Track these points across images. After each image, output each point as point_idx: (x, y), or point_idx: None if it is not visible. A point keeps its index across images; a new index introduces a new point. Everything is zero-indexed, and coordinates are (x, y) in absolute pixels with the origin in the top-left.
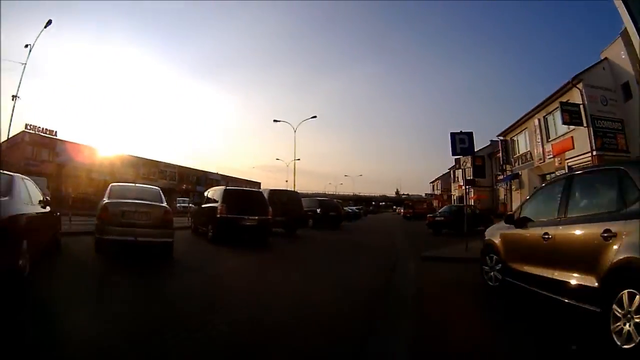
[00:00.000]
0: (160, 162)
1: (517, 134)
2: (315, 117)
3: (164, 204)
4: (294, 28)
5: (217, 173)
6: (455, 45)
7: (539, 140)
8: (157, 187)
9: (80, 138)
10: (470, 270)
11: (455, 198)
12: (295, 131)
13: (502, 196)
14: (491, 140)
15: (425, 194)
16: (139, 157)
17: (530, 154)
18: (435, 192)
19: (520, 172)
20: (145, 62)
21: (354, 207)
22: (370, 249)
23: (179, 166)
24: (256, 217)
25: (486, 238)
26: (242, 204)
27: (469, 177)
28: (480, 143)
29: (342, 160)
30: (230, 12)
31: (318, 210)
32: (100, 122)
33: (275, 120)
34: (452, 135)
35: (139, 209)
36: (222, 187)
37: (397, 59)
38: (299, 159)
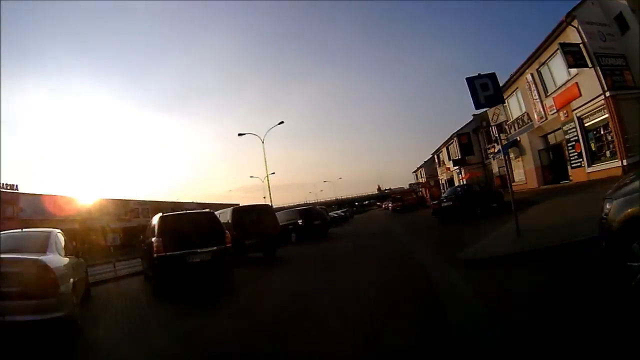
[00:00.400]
0: (131, 200)
1: (506, 98)
2: (282, 122)
3: (42, 257)
4: (255, 47)
5: (193, 202)
6: (423, 31)
7: (536, 97)
8: (49, 229)
9: (48, 189)
10: (564, 270)
11: (444, 181)
12: (263, 142)
13: (496, 169)
14: (473, 115)
15: (410, 184)
16: (110, 199)
17: (528, 115)
18: (420, 180)
19: (518, 137)
20: (109, 104)
21: (339, 211)
22: (376, 258)
23: (153, 201)
24: (208, 250)
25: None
26: (185, 234)
27: (496, 140)
28: (462, 120)
29: (319, 167)
30: (189, 41)
31: (300, 222)
32: (70, 170)
33: (240, 134)
34: (470, 81)
35: None
36: (158, 215)
37: (361, 58)
38: (273, 173)
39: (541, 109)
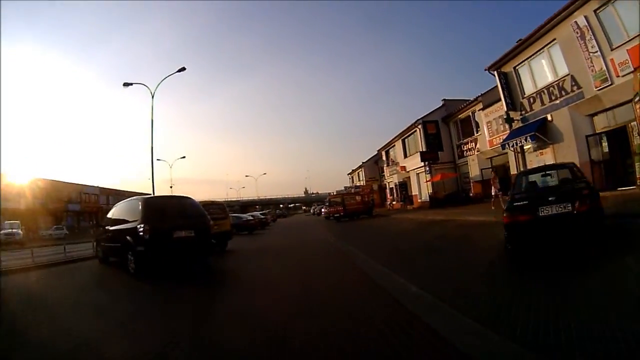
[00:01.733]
0: None
1: (527, 59)
2: (184, 69)
3: None
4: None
5: (95, 186)
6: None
7: (594, 49)
8: None
9: None
10: None
11: (393, 185)
12: (153, 96)
13: (473, 172)
14: (445, 100)
15: (345, 187)
16: None
17: (574, 79)
18: (357, 184)
19: (549, 116)
20: None
21: (259, 213)
22: None
23: (52, 181)
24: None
25: None
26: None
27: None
28: (425, 107)
29: (244, 165)
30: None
31: (142, 232)
32: None
33: (125, 84)
34: None
35: None
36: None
37: (296, 61)
38: (184, 157)
39: (603, 67)
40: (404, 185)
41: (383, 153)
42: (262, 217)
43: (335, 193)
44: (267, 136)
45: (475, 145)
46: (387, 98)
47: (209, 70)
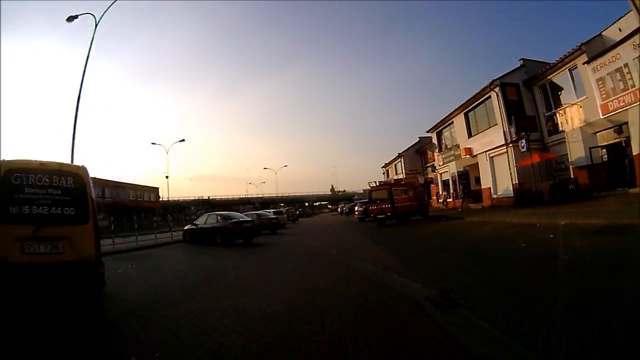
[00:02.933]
0: None
1: None
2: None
3: None
4: (215, 36)
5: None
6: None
7: None
8: None
9: None
10: None
11: (450, 177)
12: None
13: (575, 154)
14: (523, 60)
15: (379, 182)
16: None
17: None
18: (396, 177)
19: None
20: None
21: (270, 212)
22: None
23: None
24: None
25: None
26: None
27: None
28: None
29: (269, 163)
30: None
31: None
32: None
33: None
34: None
35: None
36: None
37: (322, 59)
38: (183, 139)
39: None
40: (464, 177)
41: (434, 135)
42: (273, 217)
43: (377, 183)
44: (293, 134)
45: (578, 116)
46: (412, 97)
47: (235, 68)
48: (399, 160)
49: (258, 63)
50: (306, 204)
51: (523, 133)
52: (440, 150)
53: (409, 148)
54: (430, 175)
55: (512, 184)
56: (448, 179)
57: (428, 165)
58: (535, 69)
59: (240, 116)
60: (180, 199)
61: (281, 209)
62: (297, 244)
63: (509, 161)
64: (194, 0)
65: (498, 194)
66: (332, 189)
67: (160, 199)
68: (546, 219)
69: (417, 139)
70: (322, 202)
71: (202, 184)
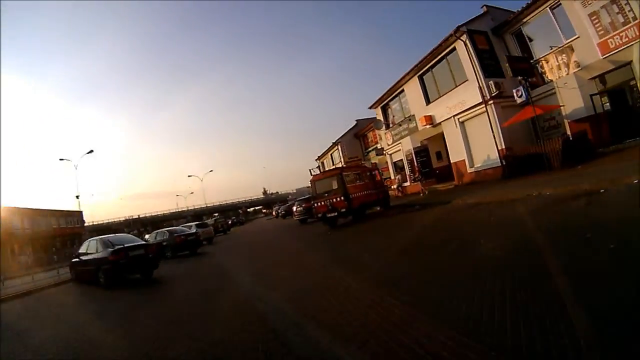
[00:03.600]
0: None
1: None
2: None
3: None
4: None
5: None
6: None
7: None
8: None
9: None
10: None
11: (404, 157)
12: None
13: (571, 105)
14: (487, 6)
15: (316, 168)
16: None
17: None
18: (334, 166)
19: None
20: None
21: (191, 224)
22: None
23: None
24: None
25: None
26: None
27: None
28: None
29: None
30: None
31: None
32: None
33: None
34: None
35: None
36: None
37: (239, 62)
38: (91, 151)
39: None
40: (423, 153)
41: (378, 111)
42: (190, 233)
43: (321, 170)
44: (219, 141)
45: (569, 61)
46: (339, 85)
47: (154, 82)
48: (336, 148)
49: (176, 73)
50: (240, 210)
51: (520, 78)
52: (388, 128)
53: (345, 133)
54: (374, 159)
55: (498, 150)
56: (402, 159)
57: (370, 149)
58: (501, 17)
59: (166, 130)
60: (109, 220)
61: (206, 221)
62: (212, 277)
63: (490, 122)
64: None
65: (476, 166)
66: (265, 192)
67: (85, 224)
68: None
69: (354, 123)
70: (257, 207)
71: (134, 203)
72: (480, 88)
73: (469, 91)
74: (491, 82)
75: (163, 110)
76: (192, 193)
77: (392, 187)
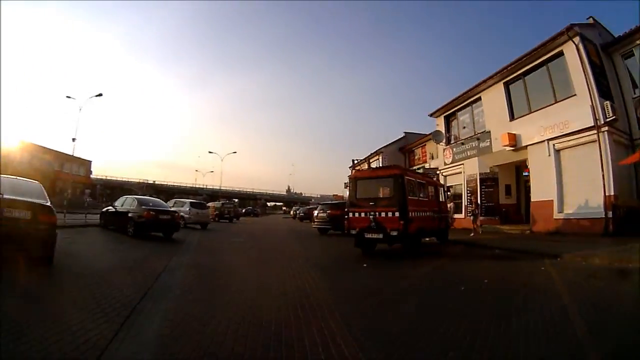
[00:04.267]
0: None
1: None
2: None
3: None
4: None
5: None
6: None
7: None
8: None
9: None
10: None
11: (465, 182)
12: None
13: None
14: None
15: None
16: None
17: None
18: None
19: None
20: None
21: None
22: None
23: None
24: None
25: None
26: None
27: None
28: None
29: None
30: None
31: None
32: None
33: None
34: None
35: None
36: None
37: (290, 61)
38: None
39: None
40: (490, 182)
41: (440, 121)
42: (164, 211)
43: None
44: (257, 129)
45: None
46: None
47: (211, 59)
48: (377, 157)
49: (235, 57)
50: (259, 200)
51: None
52: (449, 143)
53: (391, 144)
54: None
55: (605, 196)
56: (460, 184)
57: (417, 167)
58: (606, 37)
59: (209, 107)
60: (122, 178)
61: (206, 202)
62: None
63: (601, 156)
64: None
65: (567, 212)
66: (289, 190)
67: (96, 176)
68: None
69: (402, 134)
70: (277, 203)
71: (154, 170)
72: (593, 108)
73: (576, 110)
74: (607, 103)
75: (211, 90)
76: (211, 172)
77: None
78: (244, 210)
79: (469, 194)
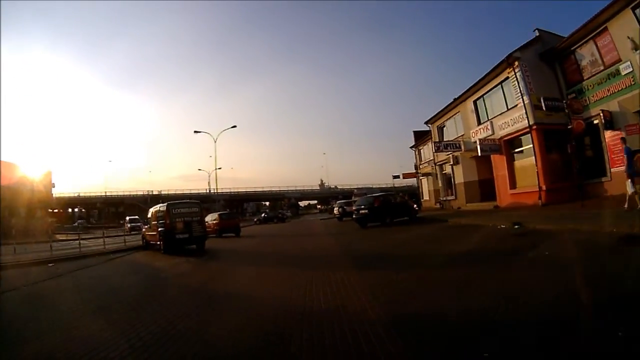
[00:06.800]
0: None
1: None
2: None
3: None
4: (212, 34)
5: None
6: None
7: None
8: None
9: None
10: None
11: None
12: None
13: None
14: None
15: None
16: None
17: None
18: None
19: None
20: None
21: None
22: None
23: None
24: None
25: None
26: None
27: None
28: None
29: (265, 164)
30: (147, 16)
31: None
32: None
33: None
34: None
35: None
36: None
37: (317, 59)
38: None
39: None
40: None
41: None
42: None
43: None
44: (279, 134)
45: None
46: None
47: (230, 68)
48: (456, 112)
49: (251, 63)
50: (289, 199)
51: None
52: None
53: (519, 49)
54: None
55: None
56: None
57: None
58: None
59: (230, 115)
60: (123, 193)
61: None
62: None
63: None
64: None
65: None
66: (322, 183)
67: (98, 194)
68: None
69: (535, 33)
70: (311, 202)
71: (161, 179)
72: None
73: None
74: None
75: (232, 98)
76: (220, 168)
77: None
78: (263, 215)
79: None
